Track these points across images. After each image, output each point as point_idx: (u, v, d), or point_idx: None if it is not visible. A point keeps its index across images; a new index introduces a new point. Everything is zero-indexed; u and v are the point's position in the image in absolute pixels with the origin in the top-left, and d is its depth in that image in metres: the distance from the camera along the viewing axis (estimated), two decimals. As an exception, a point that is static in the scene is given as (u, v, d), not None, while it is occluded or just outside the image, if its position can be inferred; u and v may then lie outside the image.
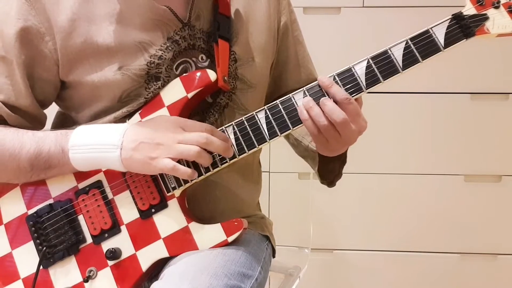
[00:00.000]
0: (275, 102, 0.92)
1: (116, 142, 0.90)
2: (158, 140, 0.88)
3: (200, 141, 0.88)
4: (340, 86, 0.89)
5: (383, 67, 0.89)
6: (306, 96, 0.90)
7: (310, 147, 1.08)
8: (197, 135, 0.88)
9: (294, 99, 0.91)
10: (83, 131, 0.93)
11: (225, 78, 0.97)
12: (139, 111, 0.96)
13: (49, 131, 0.96)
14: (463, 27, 0.88)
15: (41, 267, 0.94)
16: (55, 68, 0.96)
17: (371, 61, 0.89)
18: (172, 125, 0.90)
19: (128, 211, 0.94)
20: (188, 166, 0.92)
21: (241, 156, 0.92)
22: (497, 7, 0.87)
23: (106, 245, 0.94)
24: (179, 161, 0.90)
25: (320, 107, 0.88)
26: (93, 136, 0.92)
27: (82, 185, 0.96)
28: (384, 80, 0.89)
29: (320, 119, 0.88)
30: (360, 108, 0.89)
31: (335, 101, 0.88)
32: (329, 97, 0.89)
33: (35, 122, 1.01)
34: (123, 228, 0.94)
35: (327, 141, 0.90)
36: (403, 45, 0.89)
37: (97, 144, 0.90)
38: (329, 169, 1.08)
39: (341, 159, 1.06)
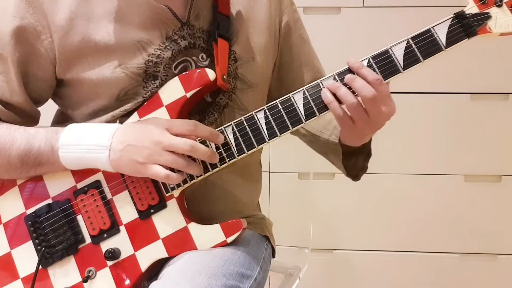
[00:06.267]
0: (274, 102, 0.91)
1: (105, 143, 0.89)
2: (144, 143, 0.88)
3: (185, 149, 0.87)
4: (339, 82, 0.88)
5: (383, 66, 0.88)
6: (306, 96, 0.90)
7: (331, 140, 1.05)
8: (182, 142, 0.87)
9: (294, 99, 0.91)
10: (73, 130, 0.93)
11: (224, 77, 0.96)
12: (138, 110, 0.96)
13: (41, 128, 0.96)
14: (465, 26, 0.87)
15: (40, 267, 0.93)
16: (50, 67, 0.96)
17: (371, 61, 0.88)
18: (158, 127, 0.89)
19: (127, 211, 0.94)
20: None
21: (240, 157, 0.92)
22: (499, 6, 0.86)
23: (105, 245, 0.93)
24: None
25: (347, 86, 0.87)
26: (83, 136, 0.92)
27: (80, 185, 0.95)
28: (385, 80, 0.88)
29: (349, 97, 0.86)
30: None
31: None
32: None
33: (28, 119, 1.01)
34: (122, 228, 0.93)
35: (354, 124, 0.89)
36: (404, 44, 0.88)
37: (87, 144, 0.90)
38: (351, 164, 1.06)
39: (366, 153, 1.04)
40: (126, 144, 0.88)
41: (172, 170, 0.88)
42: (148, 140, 0.88)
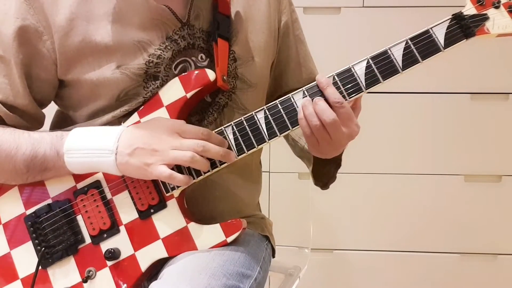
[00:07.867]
0: (274, 102, 0.92)
1: (111, 147, 0.89)
2: (154, 146, 0.88)
3: (196, 149, 0.88)
4: (339, 86, 0.89)
5: (383, 67, 0.88)
6: (306, 96, 0.90)
7: (306, 148, 1.09)
8: (193, 142, 0.88)
9: (294, 99, 0.91)
10: (78, 134, 0.93)
11: (224, 77, 0.97)
12: (138, 111, 0.96)
13: (45, 132, 0.96)
14: (463, 27, 0.87)
15: (40, 267, 0.93)
16: (53, 67, 0.96)
17: (370, 61, 0.89)
18: (168, 130, 0.90)
19: (127, 211, 0.94)
20: (188, 169, 0.92)
21: (240, 157, 0.92)
22: (497, 7, 0.87)
23: (105, 246, 0.93)
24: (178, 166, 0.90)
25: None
26: (88, 140, 0.92)
27: (80, 185, 0.95)
28: (383, 80, 0.89)
29: (312, 118, 0.88)
30: (354, 113, 0.90)
31: (328, 103, 0.88)
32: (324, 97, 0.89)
33: (33, 122, 1.01)
34: (122, 228, 0.94)
35: (318, 143, 0.90)
36: (403, 45, 0.88)
37: (92, 149, 0.90)
38: (324, 172, 1.08)
39: (336, 163, 1.06)
40: (135, 147, 0.88)
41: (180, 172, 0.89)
42: (159, 143, 0.88)
